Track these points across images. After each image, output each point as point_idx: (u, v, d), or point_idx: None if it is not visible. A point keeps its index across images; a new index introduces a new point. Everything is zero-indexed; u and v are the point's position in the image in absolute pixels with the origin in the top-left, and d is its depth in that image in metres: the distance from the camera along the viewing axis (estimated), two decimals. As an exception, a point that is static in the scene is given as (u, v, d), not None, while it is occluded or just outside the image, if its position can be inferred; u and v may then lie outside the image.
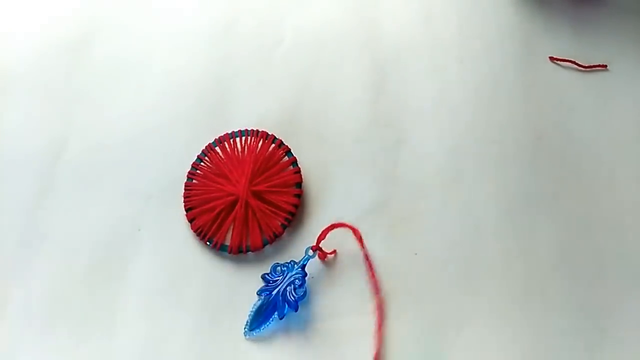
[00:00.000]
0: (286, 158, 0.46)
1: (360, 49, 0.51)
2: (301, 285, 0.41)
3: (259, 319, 0.41)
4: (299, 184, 0.45)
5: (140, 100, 0.50)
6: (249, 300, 0.41)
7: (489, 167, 0.46)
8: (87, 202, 0.46)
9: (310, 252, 0.42)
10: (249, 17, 0.53)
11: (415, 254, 0.43)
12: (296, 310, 0.40)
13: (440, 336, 0.40)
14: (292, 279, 0.41)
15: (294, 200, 0.44)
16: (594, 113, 0.48)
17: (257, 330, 0.41)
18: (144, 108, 0.50)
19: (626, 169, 0.46)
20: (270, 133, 0.47)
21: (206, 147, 0.47)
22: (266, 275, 0.42)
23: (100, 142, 0.48)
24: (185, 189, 0.46)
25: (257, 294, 0.41)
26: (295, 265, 0.42)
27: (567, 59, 0.50)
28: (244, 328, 0.41)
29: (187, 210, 0.45)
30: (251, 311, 0.41)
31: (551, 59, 0.50)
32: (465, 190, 0.45)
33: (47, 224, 0.45)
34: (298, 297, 0.41)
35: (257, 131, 0.47)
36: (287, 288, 0.41)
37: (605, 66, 0.50)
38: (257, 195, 0.44)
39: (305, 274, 0.41)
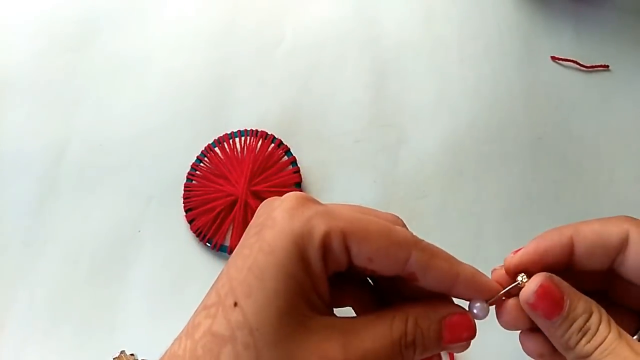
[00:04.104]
0: (285, 158, 0.46)
1: (360, 49, 0.51)
2: None
3: None
4: (298, 184, 0.45)
5: (141, 101, 0.50)
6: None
7: (490, 167, 0.46)
8: (89, 204, 0.46)
9: None
10: (249, 17, 0.53)
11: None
12: None
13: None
14: None
15: (294, 200, 0.44)
16: (595, 113, 0.48)
17: None
18: (144, 109, 0.50)
19: (627, 169, 0.46)
20: (269, 133, 0.47)
21: (205, 147, 0.47)
22: None
23: (101, 143, 0.48)
24: (184, 190, 0.46)
25: None
26: None
27: (568, 58, 0.50)
28: None
29: (186, 211, 0.45)
30: None
31: (553, 58, 0.50)
32: (466, 190, 0.45)
33: (49, 226, 0.45)
34: None
35: (256, 131, 0.47)
36: None
37: (607, 66, 0.50)
38: (257, 195, 0.44)
39: None
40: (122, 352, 0.41)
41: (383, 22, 0.52)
